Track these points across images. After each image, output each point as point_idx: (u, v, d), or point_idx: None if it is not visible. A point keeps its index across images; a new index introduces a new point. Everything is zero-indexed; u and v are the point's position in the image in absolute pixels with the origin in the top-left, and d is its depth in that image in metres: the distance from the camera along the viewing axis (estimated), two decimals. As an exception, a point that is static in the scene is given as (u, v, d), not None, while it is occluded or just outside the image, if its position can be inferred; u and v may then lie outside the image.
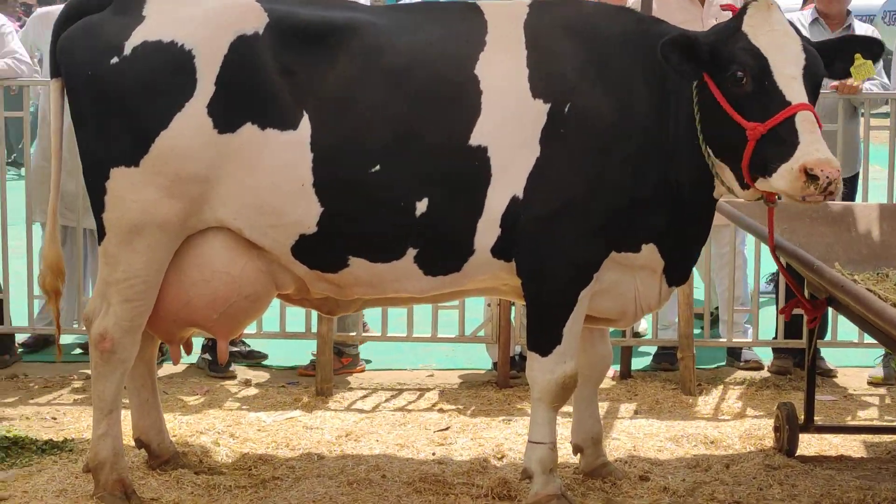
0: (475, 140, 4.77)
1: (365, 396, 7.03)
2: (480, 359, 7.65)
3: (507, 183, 4.79)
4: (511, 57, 4.83)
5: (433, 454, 5.91)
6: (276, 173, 4.78)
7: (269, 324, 7.41)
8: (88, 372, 6.45)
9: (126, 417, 5.57)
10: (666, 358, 7.52)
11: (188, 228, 4.89)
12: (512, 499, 5.19)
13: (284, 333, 7.45)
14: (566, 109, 4.76)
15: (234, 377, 7.10)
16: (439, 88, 4.81)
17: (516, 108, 4.79)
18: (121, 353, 5.00)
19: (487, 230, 4.83)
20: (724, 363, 7.67)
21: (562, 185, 4.78)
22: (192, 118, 4.76)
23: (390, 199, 4.79)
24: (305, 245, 4.87)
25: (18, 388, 7.07)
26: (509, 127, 4.78)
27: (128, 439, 5.59)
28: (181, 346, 5.35)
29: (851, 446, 6.02)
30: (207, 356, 7.33)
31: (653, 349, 7.74)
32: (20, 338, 7.72)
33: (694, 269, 5.57)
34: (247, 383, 7.26)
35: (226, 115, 4.77)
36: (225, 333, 5.15)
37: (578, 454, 5.50)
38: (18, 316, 7.36)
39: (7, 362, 7.49)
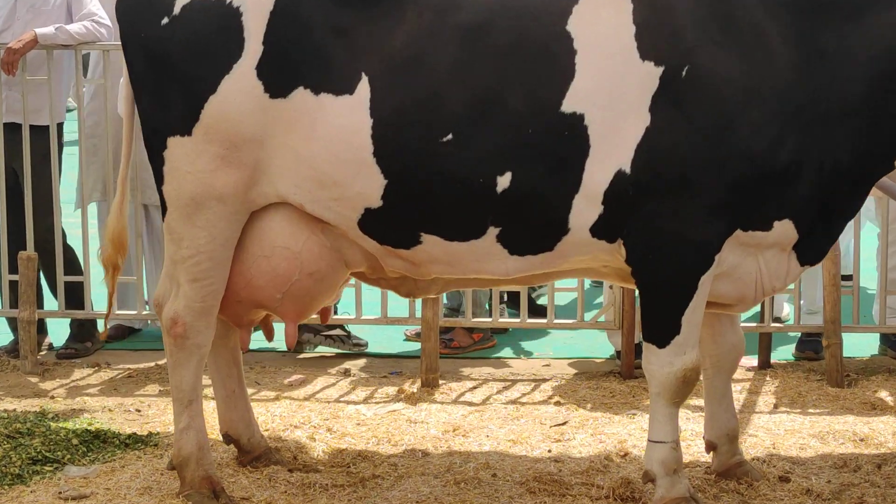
0: (569, 106, 4.69)
1: (474, 388, 7.02)
2: (601, 347, 7.65)
3: (609, 155, 4.72)
4: (613, 11, 4.73)
5: (549, 451, 5.90)
6: (333, 142, 4.79)
7: (369, 309, 7.48)
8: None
9: (213, 410, 5.67)
10: (810, 346, 7.44)
11: (250, 202, 4.95)
12: (636, 500, 5.19)
13: (386, 319, 7.49)
14: (684, 73, 4.67)
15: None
16: (524, 47, 4.72)
17: (620, 70, 4.69)
18: (194, 337, 5.07)
19: (586, 208, 4.77)
20: (876, 352, 7.60)
21: (679, 157, 4.69)
22: (241, 81, 4.81)
23: (466, 172, 4.75)
24: (372, 219, 4.89)
25: (101, 378, 7.21)
26: (611, 92, 4.68)
27: (216, 434, 5.69)
28: (263, 331, 5.44)
29: None
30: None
31: (796, 336, 7.69)
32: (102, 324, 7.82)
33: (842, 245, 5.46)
34: (345, 373, 7.33)
35: (277, 79, 4.80)
36: (292, 315, 5.19)
37: (711, 452, 5.48)
38: (101, 301, 7.41)
39: (89, 350, 7.65)
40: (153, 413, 6.48)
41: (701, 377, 5.14)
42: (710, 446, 5.49)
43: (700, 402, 6.28)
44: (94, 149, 7.55)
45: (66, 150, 7.82)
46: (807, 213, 4.83)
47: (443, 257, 4.94)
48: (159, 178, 5.01)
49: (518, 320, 7.53)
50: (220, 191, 4.90)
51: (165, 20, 4.89)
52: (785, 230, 4.83)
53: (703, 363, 5.17)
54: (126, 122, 5.25)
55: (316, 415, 6.45)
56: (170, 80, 4.89)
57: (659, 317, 4.91)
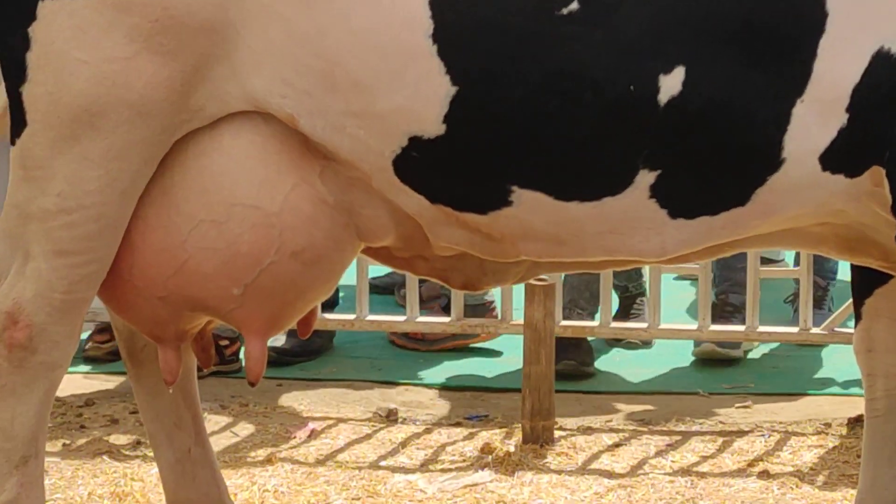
0: None
1: (618, 445, 6.07)
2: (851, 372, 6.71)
3: (859, 28, 4.10)
4: None
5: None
6: (356, 10, 4.11)
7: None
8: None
9: (157, 482, 5.15)
10: None
11: (191, 113, 4.19)
12: None
13: (462, 324, 6.81)
14: None
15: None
16: None
17: None
18: (46, 351, 4.22)
19: (816, 120, 4.12)
20: None
21: None
22: None
23: (604, 68, 4.06)
24: (423, 157, 4.18)
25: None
26: None
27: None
28: (192, 351, 4.63)
29: None
30: None
31: None
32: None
33: None
34: (389, 416, 6.50)
35: None
36: (258, 326, 4.36)
37: None
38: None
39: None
40: (53, 484, 5.65)
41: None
42: None
43: None
44: None
45: None
46: None
47: (548, 229, 4.26)
48: (16, 73, 4.21)
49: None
50: (139, 94, 4.13)
51: None
52: None
53: (871, 387, 4.68)
54: None
55: (339, 490, 5.72)
56: None
57: None
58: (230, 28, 4.13)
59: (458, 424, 6.44)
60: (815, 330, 6.53)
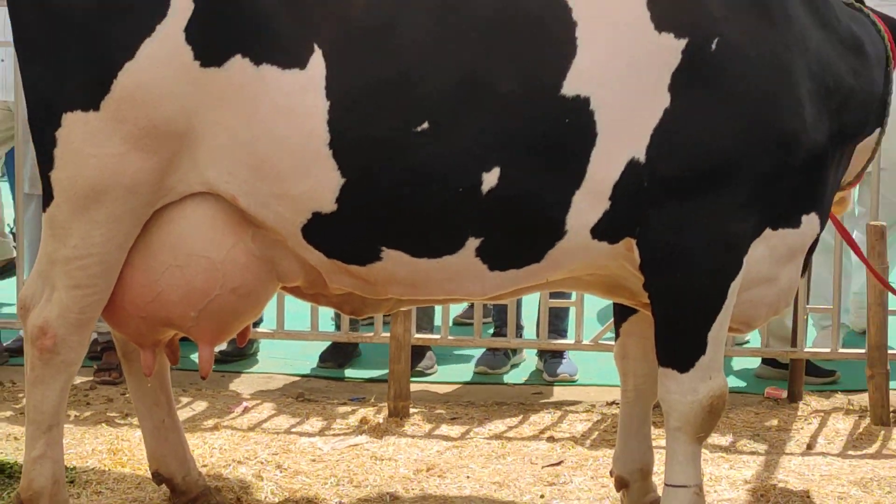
0: (571, 89, 4.61)
1: (452, 419, 7.03)
2: (604, 371, 7.69)
3: (620, 142, 4.67)
4: None
5: (541, 497, 5.86)
6: (278, 125, 4.60)
7: (326, 321, 7.61)
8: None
9: (140, 442, 5.67)
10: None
11: (165, 191, 4.75)
12: (646, 556, 5.15)
13: (347, 335, 7.57)
14: (713, 46, 4.66)
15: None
16: (514, 17, 4.64)
17: (632, 44, 4.65)
18: (66, 353, 4.89)
19: (589, 205, 4.71)
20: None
21: (709, 142, 4.69)
22: (166, 45, 4.58)
23: (444, 169, 4.62)
24: (321, 226, 4.73)
25: (4, 399, 7.20)
26: (622, 70, 4.64)
27: (145, 471, 5.66)
28: (164, 353, 5.32)
29: None
30: None
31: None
32: (6, 337, 7.87)
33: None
34: (298, 397, 7.34)
35: (210, 43, 4.59)
36: (209, 337, 5.03)
37: (622, 490, 5.50)
38: (6, 309, 7.48)
39: (-9, 367, 7.56)
40: (69, 442, 6.26)
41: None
42: (621, 483, 5.50)
43: (720, 439, 6.42)
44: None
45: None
46: (828, 206, 4.97)
47: (406, 277, 4.85)
48: (47, 162, 4.75)
49: (505, 339, 7.58)
50: (130, 179, 4.67)
51: None
52: (810, 227, 4.90)
53: (625, 384, 5.36)
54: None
55: (263, 448, 6.46)
56: (71, 40, 4.64)
57: (680, 334, 4.85)
58: (193, 135, 4.64)
59: (345, 404, 7.20)
60: (585, 341, 7.45)
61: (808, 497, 5.93)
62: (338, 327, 7.50)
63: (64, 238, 4.79)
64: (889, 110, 5.13)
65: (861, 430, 6.88)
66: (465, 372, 7.93)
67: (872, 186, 7.36)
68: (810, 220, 4.91)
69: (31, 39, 4.76)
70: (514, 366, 7.87)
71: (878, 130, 5.13)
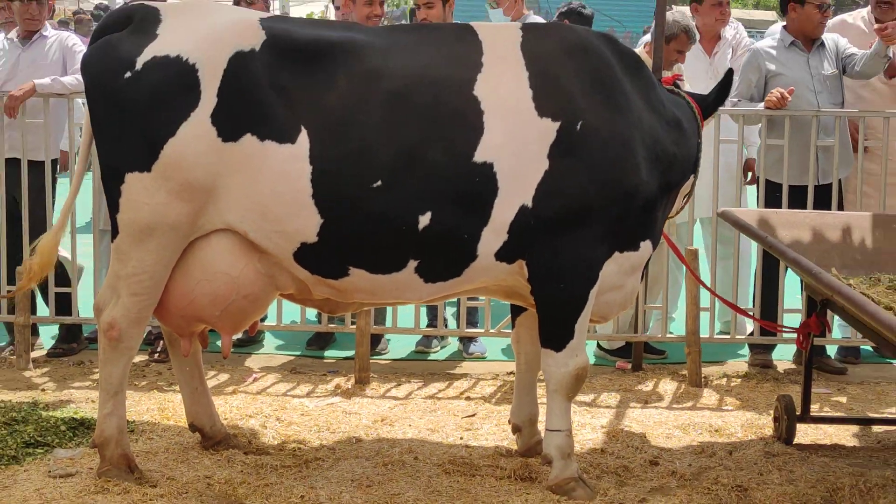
0: (480, 157, 4.61)
1: (399, 385, 6.90)
2: (507, 351, 7.55)
3: (514, 193, 4.64)
4: (512, 78, 4.69)
5: (461, 438, 5.80)
6: (276, 183, 4.59)
7: (311, 317, 7.40)
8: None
9: (180, 402, 5.58)
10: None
11: (197, 229, 4.73)
12: (532, 480, 5.09)
13: (327, 327, 7.41)
14: (578, 127, 4.66)
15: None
16: (440, 108, 4.62)
17: (522, 125, 4.64)
18: (127, 341, 4.86)
19: (493, 237, 4.69)
20: (732, 358, 7.55)
21: (576, 194, 4.68)
22: (197, 127, 4.60)
23: (392, 213, 4.60)
24: (307, 252, 4.69)
25: (84, 374, 7.03)
26: (516, 143, 4.62)
27: (183, 423, 5.61)
28: (198, 340, 5.27)
29: (844, 436, 5.90)
30: None
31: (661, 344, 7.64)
32: (87, 329, 7.68)
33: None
34: (292, 370, 7.17)
35: (228, 125, 4.60)
36: (228, 329, 4.99)
37: (516, 434, 5.42)
38: (86, 309, 7.23)
39: (75, 350, 7.48)
40: (129, 403, 6.13)
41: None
42: (516, 429, 5.42)
43: (584, 397, 6.32)
44: None
45: (59, 179, 7.68)
46: (658, 232, 4.98)
47: (367, 287, 4.79)
48: (114, 208, 4.76)
49: (436, 328, 7.43)
50: (173, 220, 4.67)
51: (128, 74, 4.66)
52: (646, 249, 4.88)
53: (519, 359, 5.27)
54: (81, 159, 5.11)
55: (267, 406, 6.30)
56: (131, 124, 4.65)
57: (556, 325, 4.83)
58: (217, 190, 4.65)
59: (324, 375, 6.98)
60: (492, 330, 7.19)
61: (646, 437, 5.90)
62: (319, 321, 7.36)
63: (125, 261, 4.76)
64: (700, 163, 5.14)
65: (682, 390, 6.82)
66: (409, 352, 7.71)
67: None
68: (646, 245, 4.92)
69: (102, 122, 4.77)
70: (443, 347, 7.70)
71: (692, 176, 5.11)
